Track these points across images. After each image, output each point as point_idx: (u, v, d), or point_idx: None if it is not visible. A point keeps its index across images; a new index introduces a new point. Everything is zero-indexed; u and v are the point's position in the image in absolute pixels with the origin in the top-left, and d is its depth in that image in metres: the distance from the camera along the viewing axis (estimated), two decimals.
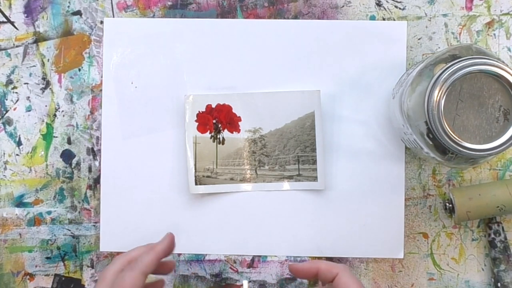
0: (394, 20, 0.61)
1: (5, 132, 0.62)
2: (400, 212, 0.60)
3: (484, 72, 0.48)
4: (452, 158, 0.51)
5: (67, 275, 0.62)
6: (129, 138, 0.61)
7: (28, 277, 0.61)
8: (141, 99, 0.61)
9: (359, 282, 0.50)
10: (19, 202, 0.62)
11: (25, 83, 0.62)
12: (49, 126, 0.62)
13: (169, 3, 0.62)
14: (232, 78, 0.61)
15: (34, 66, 0.62)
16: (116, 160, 0.61)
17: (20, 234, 0.62)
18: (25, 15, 0.62)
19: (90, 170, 0.62)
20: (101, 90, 0.62)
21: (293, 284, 0.61)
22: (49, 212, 0.62)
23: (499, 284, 0.58)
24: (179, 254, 0.61)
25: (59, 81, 0.62)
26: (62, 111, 0.62)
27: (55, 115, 0.62)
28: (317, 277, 0.51)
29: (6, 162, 0.62)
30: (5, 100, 0.62)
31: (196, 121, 0.60)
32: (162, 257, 0.52)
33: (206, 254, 0.61)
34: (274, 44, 0.61)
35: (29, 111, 0.62)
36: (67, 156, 0.62)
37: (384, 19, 0.61)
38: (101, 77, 0.62)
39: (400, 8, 0.61)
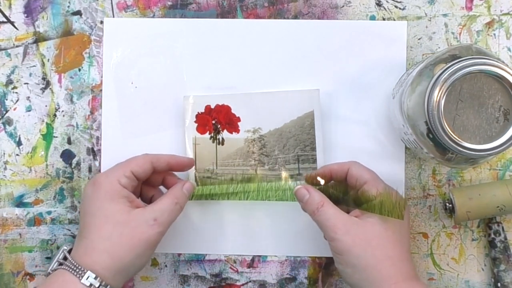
0: (394, 20, 0.61)
1: (5, 132, 0.62)
2: None
3: (484, 72, 0.48)
4: (452, 158, 0.51)
5: None
6: (129, 138, 0.61)
7: (28, 277, 0.61)
8: (141, 99, 0.61)
9: (370, 170, 0.55)
10: (19, 202, 0.62)
11: (25, 83, 0.62)
12: (49, 126, 0.62)
13: (169, 3, 0.62)
14: (232, 78, 0.61)
15: (34, 66, 0.62)
16: (116, 160, 0.61)
17: (20, 234, 0.62)
18: (25, 15, 0.62)
19: (90, 170, 0.62)
20: (101, 90, 0.62)
21: (293, 284, 0.61)
22: (49, 212, 0.62)
23: (499, 284, 0.58)
24: (179, 254, 0.61)
25: (59, 81, 0.62)
26: (62, 111, 0.62)
27: (55, 115, 0.62)
28: (332, 179, 0.56)
29: (6, 162, 0.62)
30: (5, 100, 0.62)
31: (195, 122, 0.60)
32: (174, 164, 0.56)
33: (206, 254, 0.61)
34: (274, 44, 0.61)
35: (29, 111, 0.62)
36: (67, 156, 0.62)
37: (384, 19, 0.61)
38: (101, 77, 0.62)
39: (400, 8, 0.61)
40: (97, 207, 0.52)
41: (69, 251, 0.53)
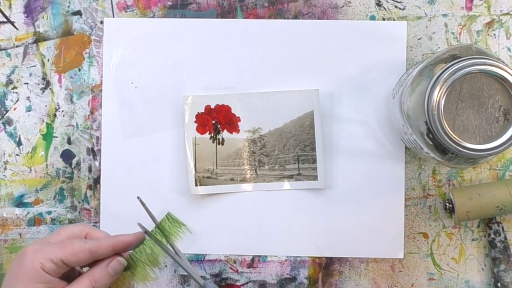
0: (394, 20, 0.61)
1: (5, 132, 0.62)
2: (400, 212, 0.60)
3: (484, 72, 0.48)
4: (452, 158, 0.51)
5: None
6: (129, 138, 0.61)
7: None
8: (141, 99, 0.61)
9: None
10: (19, 202, 0.62)
11: (25, 83, 0.62)
12: (49, 126, 0.62)
13: (169, 3, 0.62)
14: (232, 78, 0.61)
15: (34, 66, 0.62)
16: (116, 160, 0.61)
17: (20, 234, 0.62)
18: (25, 15, 0.62)
19: (90, 170, 0.62)
20: (101, 90, 0.62)
21: (293, 284, 0.61)
22: (49, 212, 0.62)
23: (499, 284, 0.58)
24: None
25: (59, 81, 0.62)
26: (62, 111, 0.62)
27: (55, 115, 0.62)
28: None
29: (6, 162, 0.62)
30: (5, 100, 0.62)
31: (195, 122, 0.60)
32: (120, 249, 0.50)
33: (206, 254, 0.61)
34: (274, 44, 0.61)
35: (29, 111, 0.62)
36: (67, 156, 0.62)
37: (384, 19, 0.61)
38: (101, 77, 0.62)
39: (400, 8, 0.61)
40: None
41: None
